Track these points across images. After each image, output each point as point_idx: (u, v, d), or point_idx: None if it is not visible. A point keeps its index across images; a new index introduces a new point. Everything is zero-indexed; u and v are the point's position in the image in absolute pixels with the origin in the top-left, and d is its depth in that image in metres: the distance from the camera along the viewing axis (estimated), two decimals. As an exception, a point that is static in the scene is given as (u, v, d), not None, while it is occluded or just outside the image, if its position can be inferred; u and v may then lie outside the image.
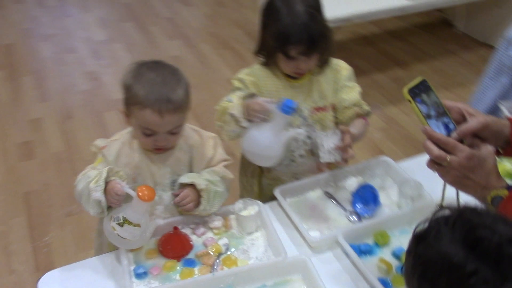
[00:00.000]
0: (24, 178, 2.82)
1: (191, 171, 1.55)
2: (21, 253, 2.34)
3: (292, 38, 1.51)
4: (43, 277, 1.42)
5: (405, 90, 1.16)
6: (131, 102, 1.40)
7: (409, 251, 0.89)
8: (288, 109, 1.44)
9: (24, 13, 4.75)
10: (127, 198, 1.39)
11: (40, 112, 3.37)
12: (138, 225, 1.38)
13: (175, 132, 1.44)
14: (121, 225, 1.37)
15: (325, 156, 1.57)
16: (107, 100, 3.48)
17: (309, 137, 1.66)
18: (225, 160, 1.62)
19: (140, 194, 1.33)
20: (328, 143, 1.55)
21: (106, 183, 1.37)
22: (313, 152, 1.69)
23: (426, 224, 0.86)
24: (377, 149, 2.88)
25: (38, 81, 3.71)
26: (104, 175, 1.37)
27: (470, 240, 0.79)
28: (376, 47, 4.04)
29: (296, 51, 1.54)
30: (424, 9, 3.67)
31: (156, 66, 1.44)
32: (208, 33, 4.34)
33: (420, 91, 1.18)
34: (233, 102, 1.52)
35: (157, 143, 1.44)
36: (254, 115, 1.48)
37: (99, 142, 1.51)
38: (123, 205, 1.40)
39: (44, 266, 2.25)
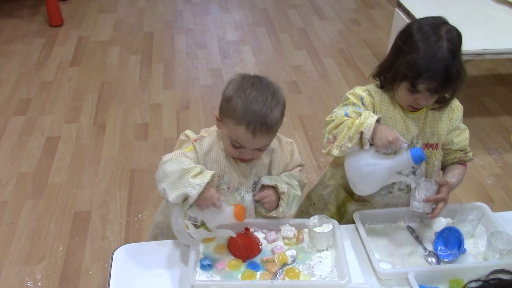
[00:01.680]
0: (134, 156, 3.00)
1: (269, 173, 1.58)
2: (116, 224, 2.50)
3: (427, 73, 1.42)
4: (119, 248, 1.52)
5: None
6: (228, 114, 1.41)
7: None
8: (420, 159, 1.39)
9: (170, 6, 5.09)
10: None
11: (162, 98, 3.58)
12: (211, 230, 1.41)
13: (262, 149, 1.48)
14: (196, 226, 1.39)
15: (416, 205, 1.50)
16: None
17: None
18: (300, 165, 1.65)
19: (236, 213, 1.38)
20: (422, 193, 1.49)
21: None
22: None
23: (478, 284, 0.79)
24: (486, 195, 2.67)
25: (167, 70, 3.95)
26: (207, 178, 1.35)
27: None
28: (511, 88, 3.75)
29: (425, 86, 1.45)
30: None
31: (258, 84, 1.42)
32: (336, 48, 4.32)
33: None
34: (367, 123, 1.42)
35: (243, 155, 1.47)
36: (383, 144, 1.40)
37: (190, 133, 1.54)
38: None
39: (132, 240, 2.38)
